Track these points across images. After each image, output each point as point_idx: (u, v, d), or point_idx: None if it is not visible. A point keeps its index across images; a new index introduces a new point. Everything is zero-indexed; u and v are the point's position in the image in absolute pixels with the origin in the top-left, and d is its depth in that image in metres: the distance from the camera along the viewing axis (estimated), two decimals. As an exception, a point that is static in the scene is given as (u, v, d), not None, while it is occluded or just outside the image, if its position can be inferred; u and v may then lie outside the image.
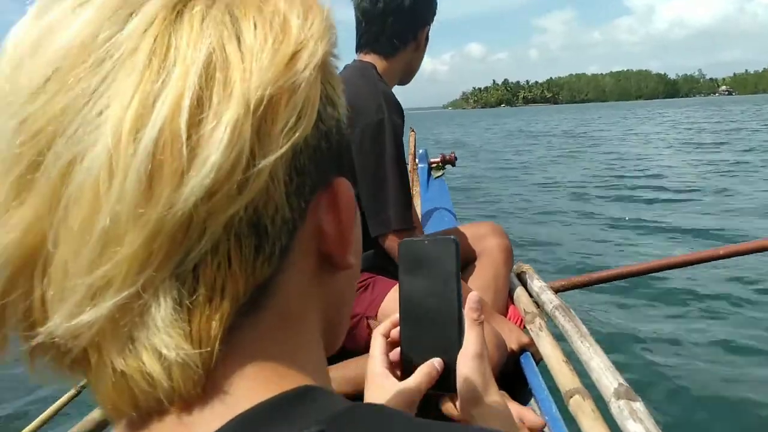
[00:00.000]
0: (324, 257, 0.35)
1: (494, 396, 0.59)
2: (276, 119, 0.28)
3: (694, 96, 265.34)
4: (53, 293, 0.26)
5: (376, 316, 1.51)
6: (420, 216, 2.88)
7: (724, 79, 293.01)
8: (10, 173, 0.26)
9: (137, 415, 0.29)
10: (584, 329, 1.38)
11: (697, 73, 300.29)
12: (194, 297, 0.27)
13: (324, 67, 0.32)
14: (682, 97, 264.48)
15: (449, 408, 0.61)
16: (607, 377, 1.13)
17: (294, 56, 0.29)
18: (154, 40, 0.26)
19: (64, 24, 0.27)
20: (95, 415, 1.31)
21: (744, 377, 2.91)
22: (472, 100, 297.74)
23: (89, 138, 0.25)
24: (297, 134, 0.29)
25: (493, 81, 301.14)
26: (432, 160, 3.40)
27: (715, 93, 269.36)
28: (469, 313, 0.61)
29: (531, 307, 1.62)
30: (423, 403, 0.60)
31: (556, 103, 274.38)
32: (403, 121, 1.57)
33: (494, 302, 1.65)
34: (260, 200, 0.28)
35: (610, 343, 3.10)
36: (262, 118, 0.27)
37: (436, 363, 0.60)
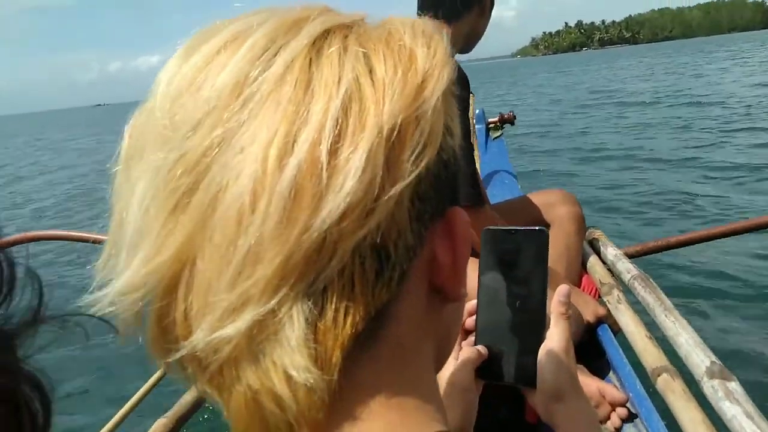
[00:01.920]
0: (435, 288, 0.35)
1: (578, 393, 0.58)
2: (405, 147, 0.29)
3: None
4: (197, 309, 0.29)
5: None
6: (480, 178, 2.82)
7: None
8: (169, 201, 0.29)
9: None
10: (668, 302, 1.29)
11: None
12: (323, 318, 0.29)
13: (446, 97, 0.33)
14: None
15: (533, 401, 0.60)
16: (698, 354, 1.06)
17: (422, 85, 0.31)
18: (297, 76, 0.29)
19: (216, 64, 0.30)
20: (189, 397, 1.27)
21: None
22: (542, 46, 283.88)
23: (239, 166, 0.28)
24: (423, 162, 0.30)
25: (565, 24, 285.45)
26: (490, 120, 3.29)
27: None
28: (556, 307, 0.60)
29: (607, 278, 1.53)
30: (500, 393, 0.59)
31: (636, 42, 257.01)
32: (469, 92, 1.51)
33: (567, 273, 1.58)
34: (386, 225, 0.30)
35: (697, 316, 2.86)
36: (393, 145, 0.29)
37: (480, 349, 0.60)
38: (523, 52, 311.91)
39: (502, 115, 3.30)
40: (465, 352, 0.62)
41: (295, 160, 0.27)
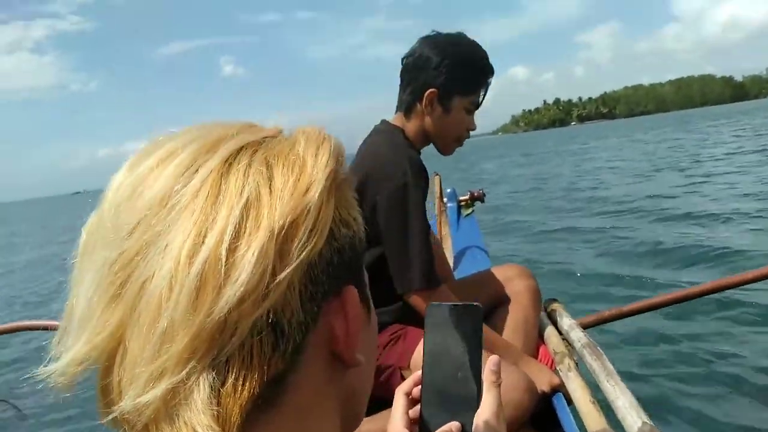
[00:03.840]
0: (335, 356, 0.42)
1: None
2: (293, 241, 0.36)
3: (764, 97, 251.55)
4: (126, 379, 0.35)
5: (408, 366, 1.57)
6: (452, 256, 2.92)
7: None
8: (108, 291, 0.36)
9: None
10: (610, 367, 1.39)
11: (765, 72, 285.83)
12: (225, 384, 0.35)
13: (338, 194, 0.41)
14: (751, 99, 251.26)
15: None
16: (632, 416, 1.15)
17: (307, 189, 0.38)
18: (209, 189, 0.36)
19: (151, 178, 0.37)
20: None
21: None
22: (522, 123, 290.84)
23: (160, 263, 0.35)
24: (309, 249, 0.37)
25: (544, 101, 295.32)
26: (461, 198, 3.43)
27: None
28: (488, 376, 0.65)
29: (560, 347, 1.64)
30: None
31: (613, 118, 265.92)
32: (427, 183, 1.61)
33: (524, 344, 1.68)
34: (279, 306, 0.36)
35: (639, 381, 2.95)
36: (283, 241, 0.36)
37: (453, 427, 0.63)
38: (504, 129, 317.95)
39: (472, 193, 3.45)
40: (401, 402, 0.68)
41: (201, 258, 0.34)
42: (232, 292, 0.34)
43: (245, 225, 0.35)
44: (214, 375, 0.35)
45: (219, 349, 0.35)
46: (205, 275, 0.34)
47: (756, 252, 5.23)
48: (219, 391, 0.35)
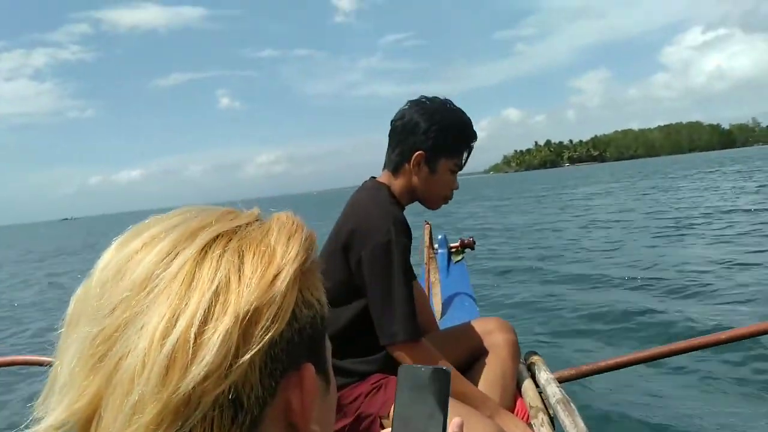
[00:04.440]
0: (291, 426, 0.45)
1: None
2: (257, 325, 0.40)
3: (751, 145, 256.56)
4: None
5: (389, 415, 1.62)
6: (441, 302, 2.99)
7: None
8: (88, 363, 0.40)
9: None
10: (581, 425, 1.45)
11: (750, 121, 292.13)
12: None
13: (303, 279, 0.45)
14: (739, 147, 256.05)
15: None
16: None
17: (274, 278, 0.42)
18: (185, 275, 0.40)
19: (135, 261, 0.42)
20: None
21: None
22: (513, 163, 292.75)
23: (136, 341, 0.39)
24: (272, 332, 0.41)
25: (535, 143, 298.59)
26: (451, 245, 3.52)
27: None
28: None
29: (536, 401, 1.69)
30: None
31: (603, 161, 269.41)
32: (410, 239, 1.67)
33: (501, 397, 1.73)
34: (240, 383, 0.40)
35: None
36: (247, 325, 0.40)
37: None
38: (495, 168, 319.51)
39: (462, 241, 3.54)
40: None
41: (172, 339, 0.38)
42: (197, 371, 0.38)
43: (214, 310, 0.39)
44: None
45: (183, 420, 0.38)
46: (175, 355, 0.38)
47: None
48: None
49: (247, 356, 0.40)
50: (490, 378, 1.77)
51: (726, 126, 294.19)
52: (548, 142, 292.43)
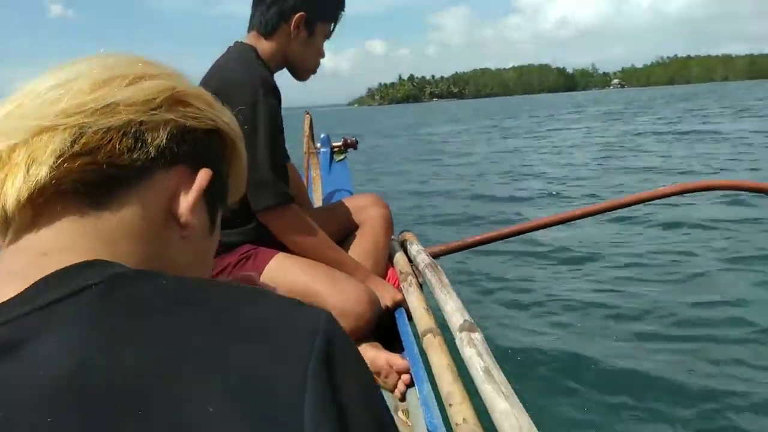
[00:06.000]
0: (172, 216, 0.49)
1: None
2: (183, 103, 0.49)
3: (590, 89, 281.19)
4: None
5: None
6: (321, 198, 3.04)
7: (615, 72, 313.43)
8: None
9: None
10: (445, 280, 1.56)
11: (590, 67, 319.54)
12: (73, 147, 0.43)
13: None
14: (580, 90, 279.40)
15: None
16: (456, 316, 1.29)
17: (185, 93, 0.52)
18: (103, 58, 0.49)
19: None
20: None
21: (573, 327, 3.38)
22: (378, 96, 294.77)
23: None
24: (193, 115, 0.50)
25: (399, 76, 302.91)
26: (334, 144, 3.54)
27: (609, 86, 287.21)
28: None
29: (406, 268, 1.79)
30: None
31: (462, 97, 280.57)
32: (280, 103, 1.63)
33: (374, 266, 1.81)
34: (151, 126, 0.46)
35: (477, 294, 3.73)
36: (174, 98, 0.49)
37: None
38: (360, 101, 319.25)
39: (345, 140, 3.53)
40: None
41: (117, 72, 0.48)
42: (129, 93, 0.46)
43: (150, 72, 0.49)
44: (69, 138, 0.43)
45: (93, 121, 0.44)
46: (116, 79, 0.46)
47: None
48: (65, 152, 0.43)
49: (169, 115, 0.47)
50: (364, 249, 1.83)
51: (570, 70, 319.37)
52: (411, 77, 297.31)
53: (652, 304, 3.55)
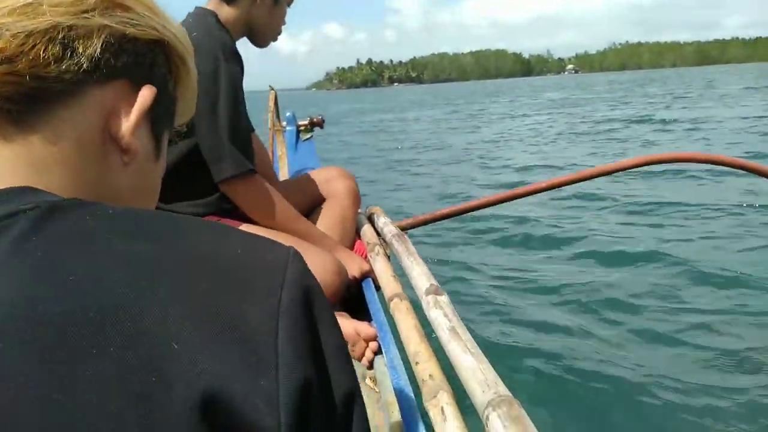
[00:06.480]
0: (111, 138, 0.43)
1: None
2: (123, 7, 0.43)
3: (545, 74, 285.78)
4: None
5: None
6: (288, 175, 2.99)
7: (569, 58, 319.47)
8: None
9: None
10: (412, 248, 1.57)
11: (545, 53, 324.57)
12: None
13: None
14: (535, 75, 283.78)
15: None
16: (422, 280, 1.30)
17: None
18: None
19: None
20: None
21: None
22: (336, 81, 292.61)
23: None
24: (131, 24, 0.43)
25: (357, 60, 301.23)
26: (300, 122, 3.50)
27: (563, 71, 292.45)
28: None
29: (374, 239, 1.79)
30: None
31: (421, 82, 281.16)
32: (242, 70, 1.59)
33: (341, 238, 1.80)
34: (82, 32, 0.40)
35: (444, 266, 3.83)
36: (114, 5, 0.43)
37: None
38: (318, 85, 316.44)
39: (312, 119, 3.50)
40: None
41: None
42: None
43: None
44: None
45: (11, 22, 0.38)
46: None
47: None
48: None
49: (104, 20, 0.41)
50: (331, 221, 1.82)
51: (526, 56, 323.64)
52: (370, 61, 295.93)
53: (615, 274, 3.64)
